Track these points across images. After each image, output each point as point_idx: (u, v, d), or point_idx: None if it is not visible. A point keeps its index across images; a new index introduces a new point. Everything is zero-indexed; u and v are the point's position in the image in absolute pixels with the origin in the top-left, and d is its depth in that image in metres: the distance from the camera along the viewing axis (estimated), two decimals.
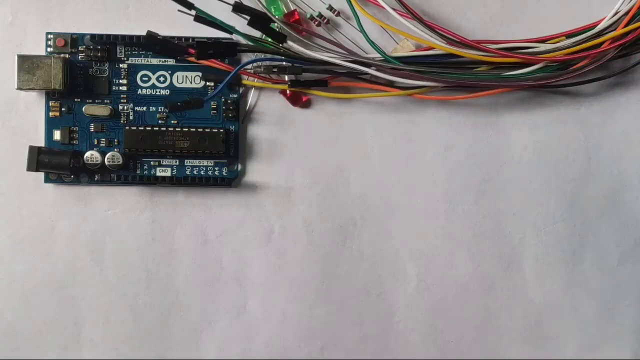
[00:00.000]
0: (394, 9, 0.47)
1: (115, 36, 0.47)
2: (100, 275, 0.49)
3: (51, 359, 0.49)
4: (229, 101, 0.48)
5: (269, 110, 0.49)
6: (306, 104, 0.49)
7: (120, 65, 0.48)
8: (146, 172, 0.48)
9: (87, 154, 0.48)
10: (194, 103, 0.45)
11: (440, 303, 0.50)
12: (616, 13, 0.47)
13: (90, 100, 0.48)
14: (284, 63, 0.46)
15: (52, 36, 0.48)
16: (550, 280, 0.50)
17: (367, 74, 0.47)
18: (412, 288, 0.50)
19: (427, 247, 0.49)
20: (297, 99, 0.49)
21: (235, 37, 0.46)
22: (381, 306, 0.50)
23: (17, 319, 0.49)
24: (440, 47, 0.47)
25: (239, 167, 0.49)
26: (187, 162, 0.48)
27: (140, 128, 0.47)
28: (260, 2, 0.47)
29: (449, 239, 0.50)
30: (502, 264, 0.50)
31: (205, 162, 0.48)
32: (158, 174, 0.48)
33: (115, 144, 0.48)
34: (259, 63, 0.47)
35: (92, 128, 0.48)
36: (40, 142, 0.48)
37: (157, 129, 0.47)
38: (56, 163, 0.47)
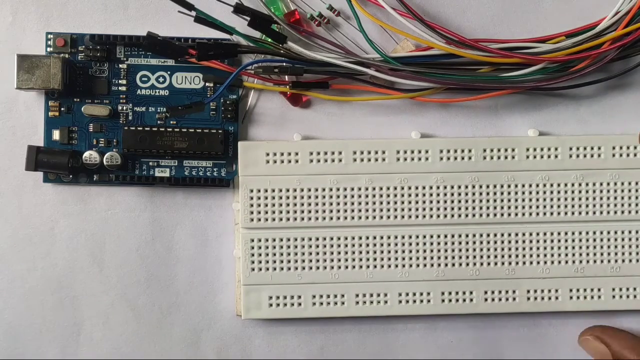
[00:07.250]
0: (394, 9, 0.47)
1: (115, 36, 0.47)
2: (100, 275, 0.49)
3: (51, 359, 0.49)
4: (228, 102, 0.48)
5: (269, 110, 0.49)
6: (306, 105, 0.49)
7: (120, 66, 0.48)
8: (145, 172, 0.48)
9: (86, 154, 0.48)
10: (194, 107, 0.45)
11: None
12: (616, 13, 0.47)
13: (90, 100, 0.48)
14: (284, 64, 0.46)
15: (52, 36, 0.48)
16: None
17: (366, 74, 0.47)
18: None
19: None
20: (297, 100, 0.49)
21: (235, 37, 0.46)
22: None
23: (17, 319, 0.49)
24: (440, 47, 0.47)
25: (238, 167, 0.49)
26: (186, 163, 0.48)
27: (139, 128, 0.47)
28: (261, 2, 0.47)
29: None
30: None
31: (203, 163, 0.48)
32: (157, 174, 0.48)
33: (114, 144, 0.48)
34: (260, 64, 0.47)
35: (91, 128, 0.48)
36: (40, 142, 0.48)
37: (156, 129, 0.47)
38: (55, 163, 0.47)
